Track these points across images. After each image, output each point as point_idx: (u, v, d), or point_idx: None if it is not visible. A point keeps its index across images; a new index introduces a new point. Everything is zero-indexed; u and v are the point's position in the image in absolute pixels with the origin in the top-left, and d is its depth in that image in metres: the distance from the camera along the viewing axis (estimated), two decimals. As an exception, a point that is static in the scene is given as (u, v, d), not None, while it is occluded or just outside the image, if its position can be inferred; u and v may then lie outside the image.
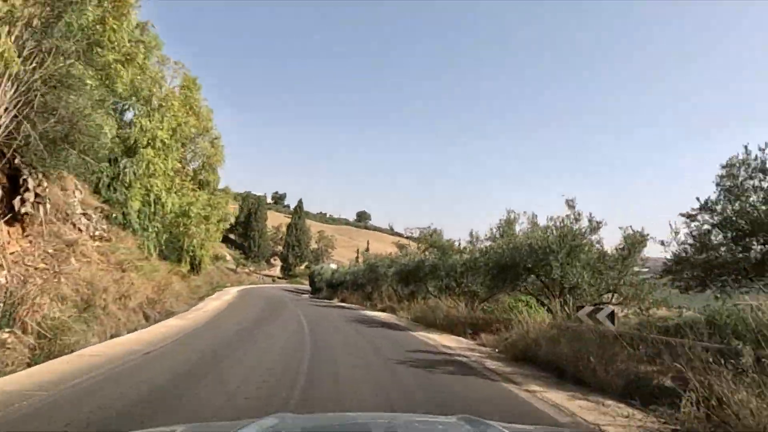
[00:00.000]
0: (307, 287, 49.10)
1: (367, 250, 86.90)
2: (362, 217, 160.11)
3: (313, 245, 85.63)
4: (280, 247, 77.72)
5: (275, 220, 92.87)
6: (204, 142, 21.89)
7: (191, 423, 3.55)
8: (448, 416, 2.05)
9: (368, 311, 20.35)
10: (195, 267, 21.26)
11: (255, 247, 78.86)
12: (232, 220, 24.07)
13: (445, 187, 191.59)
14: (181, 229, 20.29)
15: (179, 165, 20.30)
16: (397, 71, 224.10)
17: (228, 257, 63.38)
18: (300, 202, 74.21)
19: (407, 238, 22.84)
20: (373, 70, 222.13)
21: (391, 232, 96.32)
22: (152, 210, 16.39)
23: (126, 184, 15.21)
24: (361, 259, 46.26)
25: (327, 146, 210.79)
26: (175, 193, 20.20)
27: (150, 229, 16.28)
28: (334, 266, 46.36)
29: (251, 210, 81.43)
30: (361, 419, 2.33)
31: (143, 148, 15.54)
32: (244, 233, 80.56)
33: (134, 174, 15.27)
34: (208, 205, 21.88)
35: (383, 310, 20.21)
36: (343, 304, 25.35)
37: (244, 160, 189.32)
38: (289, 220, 79.75)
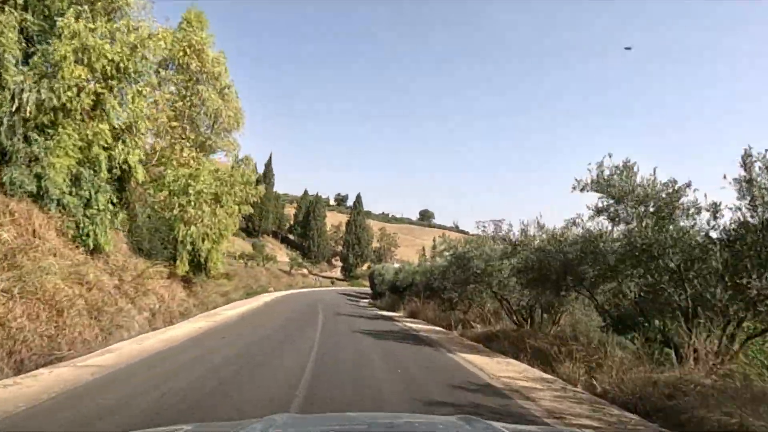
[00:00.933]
0: (369, 290, 42.54)
1: (434, 248, 78.97)
2: (425, 216, 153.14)
3: (375, 244, 79.25)
4: (340, 247, 72.09)
5: (337, 221, 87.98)
6: (208, 90, 15.51)
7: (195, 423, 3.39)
8: (448, 416, 2.03)
9: (482, 358, 9.25)
10: (200, 267, 14.91)
11: (314, 247, 73.97)
12: (247, 209, 17.49)
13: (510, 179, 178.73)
14: (176, 212, 14.00)
15: (164, 115, 13.99)
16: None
17: (283, 257, 58.54)
18: (358, 196, 68.04)
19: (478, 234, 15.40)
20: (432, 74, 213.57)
21: (457, 229, 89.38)
22: (101, 173, 10.00)
23: (38, 127, 8.91)
24: (430, 254, 38.70)
25: (388, 146, 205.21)
26: (161, 158, 13.88)
27: (97, 204, 9.89)
28: (396, 265, 39.25)
29: (309, 208, 76.79)
30: (361, 419, 2.22)
31: (67, 64, 9.14)
32: (303, 233, 76.06)
33: (51, 112, 8.92)
34: (217, 180, 15.47)
35: (519, 355, 9.09)
36: (412, 323, 15.80)
37: (305, 163, 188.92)
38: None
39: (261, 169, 70.67)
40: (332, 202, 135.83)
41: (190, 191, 14.29)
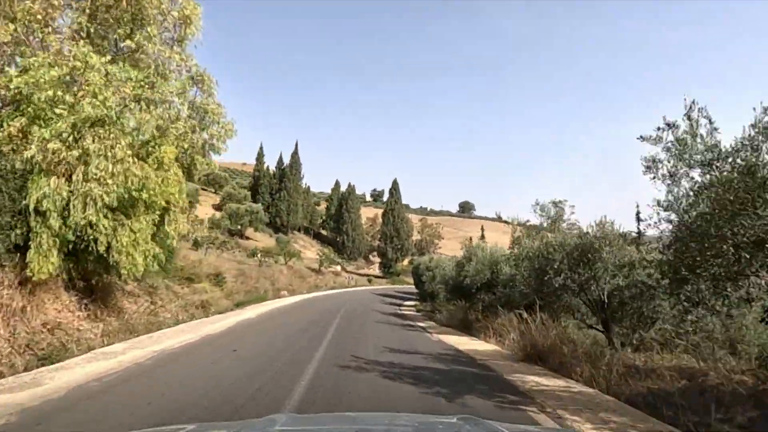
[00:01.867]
0: (412, 288, 34.93)
1: (482, 238, 70.18)
2: (466, 208, 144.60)
3: (416, 236, 71.40)
4: (378, 242, 64.74)
5: (373, 215, 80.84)
6: (167, 49, 8.41)
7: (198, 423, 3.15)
8: (448, 416, 2.10)
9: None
10: (101, 262, 7.74)
11: (349, 243, 67.05)
12: (207, 165, 9.99)
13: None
14: (33, 152, 6.83)
15: None
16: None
17: (313, 254, 51.78)
18: (395, 183, 60.38)
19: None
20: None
21: (500, 220, 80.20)
22: None
23: None
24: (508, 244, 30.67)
25: (423, 139, 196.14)
26: None
27: None
28: (448, 256, 31.44)
29: (342, 201, 69.95)
30: (361, 419, 2.20)
31: None
32: (336, 227, 69.32)
33: None
34: (136, 100, 8.16)
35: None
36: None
37: (341, 159, 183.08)
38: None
39: (287, 160, 64.57)
40: (368, 198, 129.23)
41: (60, 110, 7.13)
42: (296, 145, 63.44)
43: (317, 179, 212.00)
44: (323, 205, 77.66)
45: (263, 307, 16.76)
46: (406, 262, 64.63)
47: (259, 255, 33.05)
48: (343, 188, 71.44)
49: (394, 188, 59.95)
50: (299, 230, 68.39)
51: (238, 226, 46.13)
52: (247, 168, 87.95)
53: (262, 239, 48.06)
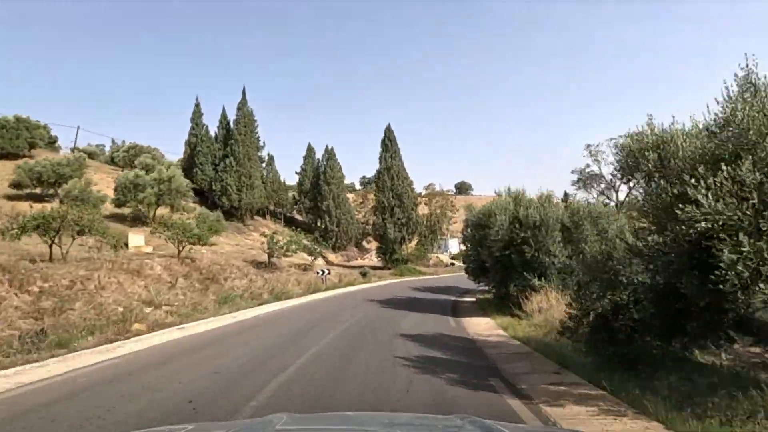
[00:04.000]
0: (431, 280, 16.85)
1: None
2: (463, 188, 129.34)
3: (423, 210, 53.17)
4: (373, 218, 46.44)
5: (363, 198, 62.62)
6: None
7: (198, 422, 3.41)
8: (448, 415, 1.99)
9: None
10: None
11: (333, 226, 48.73)
12: None
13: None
14: None
15: None
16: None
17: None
18: (388, 129, 41.88)
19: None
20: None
21: (500, 197, 66.68)
22: None
23: None
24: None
25: (413, 118, 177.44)
26: None
27: None
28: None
29: (318, 171, 51.56)
30: (361, 419, 2.21)
31: None
32: (314, 207, 50.96)
33: None
34: None
35: None
36: None
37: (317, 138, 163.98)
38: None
39: (232, 115, 45.96)
40: (357, 186, 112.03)
41: None
42: (243, 93, 44.80)
43: (293, 159, 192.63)
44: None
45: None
46: (413, 244, 46.50)
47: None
48: (320, 154, 52.97)
49: (389, 139, 41.48)
50: (262, 214, 49.95)
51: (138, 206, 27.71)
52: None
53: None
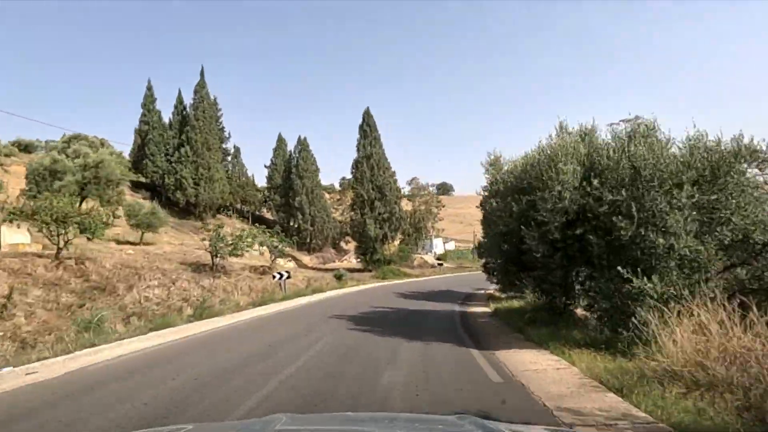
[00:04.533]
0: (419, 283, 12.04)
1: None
2: (444, 189, 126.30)
3: (407, 206, 48.44)
4: (350, 215, 41.41)
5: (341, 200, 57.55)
6: None
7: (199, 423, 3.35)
8: (448, 416, 1.92)
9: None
10: None
11: (306, 224, 43.64)
12: None
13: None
14: None
15: None
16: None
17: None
18: (367, 114, 36.94)
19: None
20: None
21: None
22: None
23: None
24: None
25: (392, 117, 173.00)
26: None
27: None
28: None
29: (290, 164, 46.39)
30: (361, 419, 2.16)
31: None
32: (285, 204, 45.74)
33: None
34: None
35: None
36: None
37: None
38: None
39: (189, 98, 40.52)
40: (337, 186, 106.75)
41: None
42: (202, 74, 39.32)
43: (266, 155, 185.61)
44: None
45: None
46: (395, 243, 41.69)
47: None
48: (291, 145, 47.82)
49: (368, 124, 36.55)
50: (227, 212, 44.43)
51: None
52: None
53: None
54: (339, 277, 24.59)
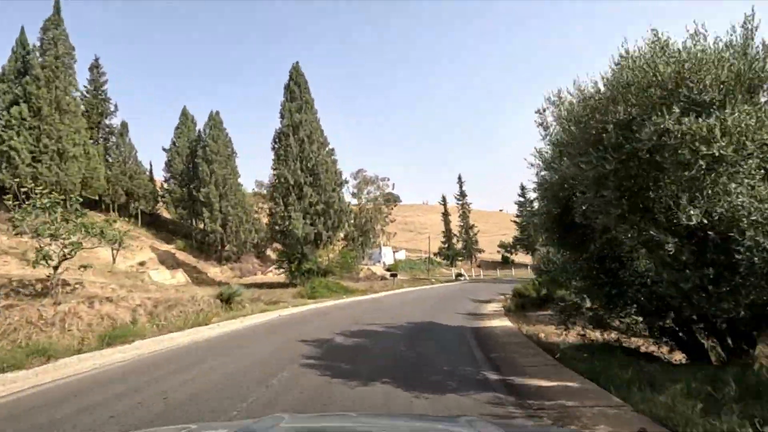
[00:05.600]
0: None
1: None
2: (391, 199, 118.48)
3: (352, 207, 38.40)
4: (271, 208, 30.59)
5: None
6: None
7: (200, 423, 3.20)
8: (449, 416, 1.82)
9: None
10: None
11: (215, 224, 32.46)
12: None
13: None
14: None
15: None
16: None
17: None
18: (295, 69, 26.76)
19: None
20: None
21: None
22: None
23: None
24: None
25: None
26: None
27: None
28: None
29: (197, 145, 35.15)
30: (362, 419, 2.09)
31: None
32: (188, 201, 34.32)
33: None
34: None
35: None
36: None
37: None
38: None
39: (34, 39, 28.59)
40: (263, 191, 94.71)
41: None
42: (57, 4, 27.49)
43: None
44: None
45: None
46: (338, 248, 31.50)
47: None
48: (201, 123, 36.61)
49: (296, 83, 26.39)
50: (104, 209, 32.17)
51: None
52: None
53: None
54: (227, 299, 14.08)
